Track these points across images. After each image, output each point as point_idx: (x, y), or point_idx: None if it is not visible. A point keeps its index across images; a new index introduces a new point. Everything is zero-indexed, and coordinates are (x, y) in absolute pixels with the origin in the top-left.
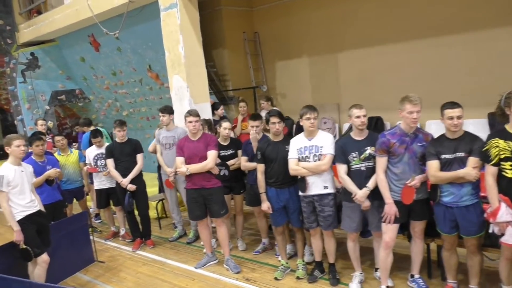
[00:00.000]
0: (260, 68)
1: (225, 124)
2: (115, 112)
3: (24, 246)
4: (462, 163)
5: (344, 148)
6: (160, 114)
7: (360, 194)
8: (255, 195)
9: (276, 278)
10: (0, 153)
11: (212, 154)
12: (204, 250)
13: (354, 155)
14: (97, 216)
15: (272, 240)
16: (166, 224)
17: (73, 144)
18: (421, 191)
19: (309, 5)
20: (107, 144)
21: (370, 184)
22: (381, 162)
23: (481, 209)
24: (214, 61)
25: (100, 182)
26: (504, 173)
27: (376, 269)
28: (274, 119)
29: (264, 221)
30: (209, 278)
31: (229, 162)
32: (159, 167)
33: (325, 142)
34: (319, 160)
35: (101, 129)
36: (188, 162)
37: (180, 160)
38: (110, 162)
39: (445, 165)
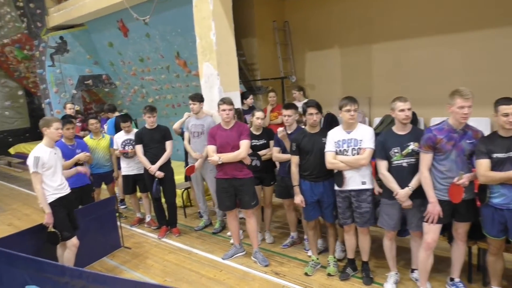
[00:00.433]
0: (289, 58)
1: (258, 114)
2: (140, 99)
3: (52, 230)
4: None
5: (384, 143)
6: (191, 101)
7: (402, 194)
8: (286, 187)
9: (306, 274)
10: (26, 135)
11: (245, 144)
12: (231, 241)
13: (396, 151)
14: (122, 201)
15: (301, 234)
16: (190, 212)
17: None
18: (468, 191)
19: None
20: (135, 130)
21: (413, 183)
22: (426, 159)
23: None
24: (243, 50)
25: (127, 168)
26: None
27: (413, 270)
28: (311, 110)
29: (294, 214)
30: (237, 270)
31: (261, 153)
32: (186, 155)
33: (365, 135)
34: (358, 154)
35: None
36: (219, 151)
37: (211, 148)
38: (139, 148)
39: (497, 165)
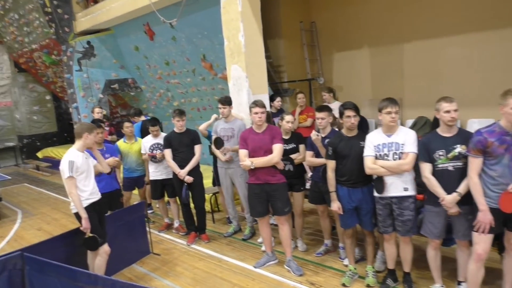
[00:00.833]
0: (316, 59)
1: (288, 117)
2: (166, 102)
3: (91, 235)
4: None
5: (428, 145)
6: (220, 105)
7: (449, 200)
8: (319, 192)
9: (344, 285)
10: (54, 139)
11: (278, 148)
12: (263, 249)
13: (441, 153)
14: (149, 206)
15: (335, 241)
16: (219, 218)
17: None
18: None
19: None
20: (162, 134)
21: (461, 189)
22: (475, 163)
23: None
24: (270, 52)
25: (156, 173)
26: None
27: (459, 282)
28: (349, 112)
29: (328, 221)
30: (270, 279)
31: (292, 157)
32: (215, 160)
33: (407, 139)
34: (399, 158)
35: None
36: (252, 155)
37: (243, 153)
38: (168, 153)
39: None
